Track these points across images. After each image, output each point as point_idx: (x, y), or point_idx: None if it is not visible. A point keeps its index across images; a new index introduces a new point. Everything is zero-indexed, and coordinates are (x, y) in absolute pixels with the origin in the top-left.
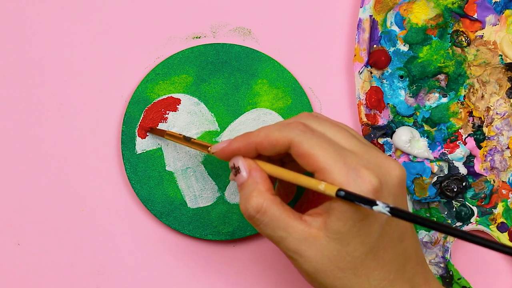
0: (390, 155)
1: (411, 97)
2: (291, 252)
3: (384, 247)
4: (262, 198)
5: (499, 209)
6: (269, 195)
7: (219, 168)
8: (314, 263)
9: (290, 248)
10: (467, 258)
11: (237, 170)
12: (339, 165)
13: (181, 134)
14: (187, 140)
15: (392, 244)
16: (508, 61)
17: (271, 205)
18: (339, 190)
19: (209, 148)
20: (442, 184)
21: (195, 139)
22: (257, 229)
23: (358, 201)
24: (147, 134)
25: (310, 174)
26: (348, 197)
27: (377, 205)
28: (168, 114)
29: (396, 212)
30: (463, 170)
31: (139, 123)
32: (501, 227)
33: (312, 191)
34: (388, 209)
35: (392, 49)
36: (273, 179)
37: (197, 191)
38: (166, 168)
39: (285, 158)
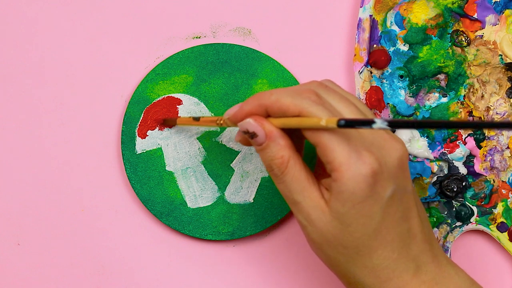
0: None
1: (411, 97)
2: (302, 217)
3: (387, 227)
4: (287, 156)
5: (499, 209)
6: (292, 152)
7: (219, 168)
8: (320, 234)
9: (302, 212)
10: (467, 258)
11: (252, 135)
12: (342, 145)
13: (190, 117)
14: (196, 120)
15: (395, 224)
16: (508, 61)
17: (293, 164)
18: (340, 120)
19: (217, 121)
20: (442, 184)
21: (202, 117)
22: (277, 187)
23: (358, 125)
24: (162, 126)
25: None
26: (350, 124)
27: (375, 123)
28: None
29: (393, 124)
30: (463, 170)
31: (139, 123)
32: (501, 227)
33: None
34: (386, 123)
35: (392, 49)
36: None
37: (197, 191)
38: (166, 168)
39: None
